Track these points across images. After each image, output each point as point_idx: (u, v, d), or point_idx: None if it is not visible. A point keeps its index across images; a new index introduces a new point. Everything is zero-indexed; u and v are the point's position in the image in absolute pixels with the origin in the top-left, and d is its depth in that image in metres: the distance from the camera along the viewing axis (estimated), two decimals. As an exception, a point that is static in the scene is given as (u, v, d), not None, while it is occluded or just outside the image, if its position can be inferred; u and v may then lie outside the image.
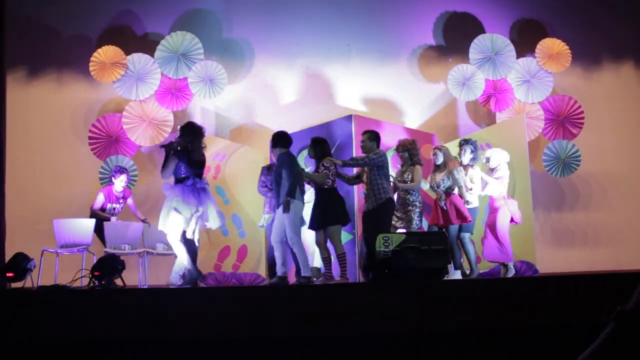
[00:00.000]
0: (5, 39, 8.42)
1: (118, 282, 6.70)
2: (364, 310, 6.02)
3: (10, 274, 6.61)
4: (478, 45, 9.46)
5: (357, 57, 9.78)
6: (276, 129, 9.20)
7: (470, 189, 7.79)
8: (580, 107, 9.36)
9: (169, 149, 6.84)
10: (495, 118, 9.51)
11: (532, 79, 9.38)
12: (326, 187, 7.31)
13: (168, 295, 6.39)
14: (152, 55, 9.19)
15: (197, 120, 9.19)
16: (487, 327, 5.73)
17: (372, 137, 7.53)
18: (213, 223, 7.04)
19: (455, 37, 9.95)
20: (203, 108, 9.58)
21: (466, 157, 7.92)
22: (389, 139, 8.26)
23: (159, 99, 9.17)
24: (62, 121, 9.42)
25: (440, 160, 7.76)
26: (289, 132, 8.61)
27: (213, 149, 8.37)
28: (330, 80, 9.71)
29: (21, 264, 6.69)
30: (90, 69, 9.11)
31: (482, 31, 9.77)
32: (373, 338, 5.99)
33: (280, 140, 7.25)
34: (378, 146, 7.51)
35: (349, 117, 8.49)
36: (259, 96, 9.67)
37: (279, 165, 7.07)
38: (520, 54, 9.51)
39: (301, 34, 9.79)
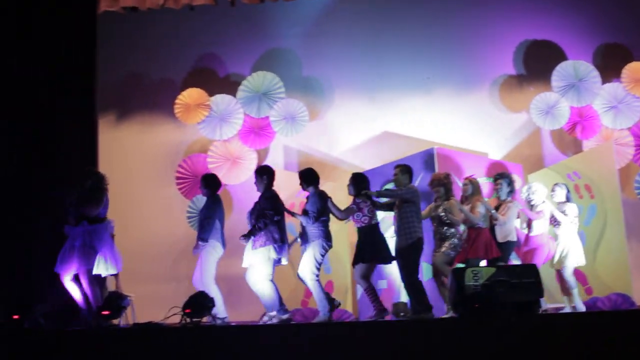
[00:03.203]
0: (97, 85, 8.79)
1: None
2: (454, 347, 5.93)
3: (106, 312, 6.80)
4: (560, 72, 9.26)
5: (437, 89, 9.73)
6: (359, 163, 9.29)
7: (496, 221, 7.68)
8: (672, 131, 9.03)
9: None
10: (582, 146, 9.27)
11: (619, 105, 9.10)
12: (364, 225, 7.32)
13: (256, 332, 6.45)
14: (234, 95, 9.41)
15: (279, 157, 9.40)
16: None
17: (405, 170, 7.50)
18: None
19: (536, 65, 9.78)
20: (285, 146, 9.71)
21: (503, 192, 7.87)
22: (473, 171, 8.16)
23: (242, 138, 9.35)
24: (149, 162, 9.70)
25: (469, 192, 7.68)
26: (371, 166, 8.65)
27: (297, 186, 8.42)
28: (411, 113, 9.67)
29: (116, 302, 6.89)
30: (175, 111, 9.39)
31: (564, 58, 9.58)
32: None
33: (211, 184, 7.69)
34: (410, 180, 7.50)
35: (431, 150, 8.44)
36: (341, 132, 9.72)
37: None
38: (605, 79, 9.25)
39: (380, 68, 9.80)
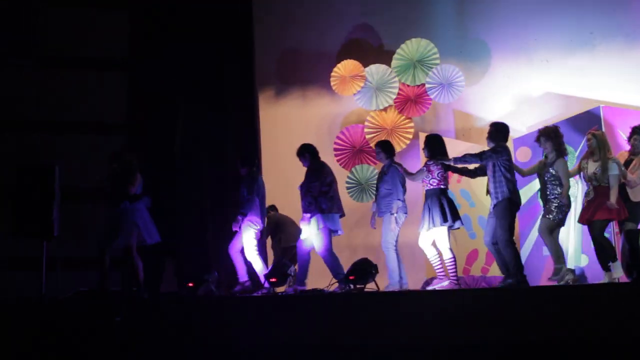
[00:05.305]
0: (256, 62, 9.07)
1: (372, 286, 6.90)
2: (627, 312, 5.67)
3: (274, 280, 7.08)
4: None
5: (602, 44, 9.23)
6: (518, 127, 9.00)
7: (625, 180, 6.88)
8: None
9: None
10: None
11: None
12: (432, 187, 7.20)
13: (416, 299, 6.46)
14: (389, 65, 9.40)
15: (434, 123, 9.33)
16: None
17: (499, 128, 7.14)
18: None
19: None
20: (443, 112, 9.60)
21: (637, 144, 7.11)
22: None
23: (399, 107, 9.34)
24: (307, 135, 9.80)
25: (594, 146, 6.96)
26: (534, 129, 8.36)
27: (456, 151, 8.32)
28: (574, 71, 9.24)
29: (282, 270, 7.16)
30: (331, 83, 9.52)
31: None
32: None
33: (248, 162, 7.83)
34: (504, 139, 7.11)
35: (597, 109, 8.02)
36: (499, 95, 9.51)
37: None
38: None
39: (538, 27, 9.47)
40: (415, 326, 5.87)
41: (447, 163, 7.25)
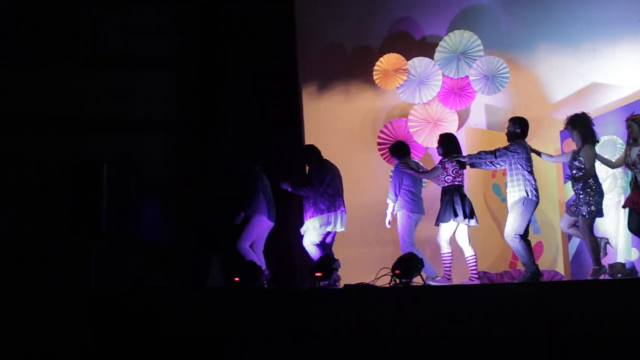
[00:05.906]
0: (298, 58, 9.09)
1: (418, 280, 6.89)
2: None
3: (319, 274, 7.12)
4: None
5: (651, 31, 9.04)
6: (563, 118, 8.86)
7: None
8: None
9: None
10: None
11: None
12: (447, 184, 7.37)
13: (466, 292, 6.44)
14: (431, 57, 9.33)
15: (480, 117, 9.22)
16: None
17: (517, 124, 7.11)
18: None
19: None
20: (487, 104, 9.49)
21: None
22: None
23: (442, 100, 9.27)
24: (351, 130, 9.87)
25: (636, 132, 6.80)
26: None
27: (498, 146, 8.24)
28: (622, 60, 9.05)
29: (328, 264, 7.19)
30: (374, 77, 9.47)
31: None
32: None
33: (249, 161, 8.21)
34: (524, 135, 7.09)
35: (648, 99, 7.87)
36: (544, 86, 9.36)
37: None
38: None
39: (585, 16, 9.29)
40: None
41: (462, 160, 7.31)
